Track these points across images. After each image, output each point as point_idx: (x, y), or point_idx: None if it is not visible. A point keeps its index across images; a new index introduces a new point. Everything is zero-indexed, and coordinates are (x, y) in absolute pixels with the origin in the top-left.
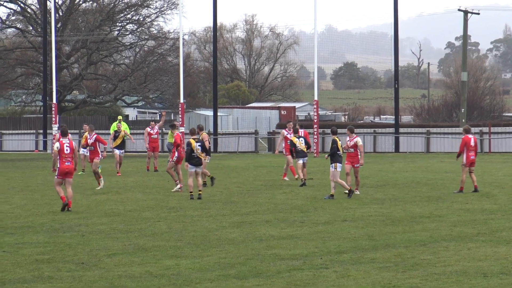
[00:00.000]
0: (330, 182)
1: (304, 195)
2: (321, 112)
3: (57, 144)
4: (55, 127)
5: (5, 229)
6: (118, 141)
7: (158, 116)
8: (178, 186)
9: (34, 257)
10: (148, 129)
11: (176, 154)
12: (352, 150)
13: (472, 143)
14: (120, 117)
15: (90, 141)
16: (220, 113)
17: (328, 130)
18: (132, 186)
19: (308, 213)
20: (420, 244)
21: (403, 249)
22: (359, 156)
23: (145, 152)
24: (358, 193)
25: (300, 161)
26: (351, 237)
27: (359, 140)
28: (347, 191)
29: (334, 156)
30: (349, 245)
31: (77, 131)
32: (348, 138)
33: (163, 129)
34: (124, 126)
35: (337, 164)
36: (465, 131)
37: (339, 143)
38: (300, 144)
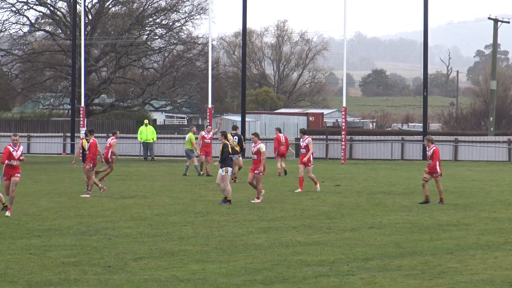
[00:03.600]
0: (225, 187)
1: (331, 201)
2: (349, 119)
3: None
4: (83, 131)
5: (32, 231)
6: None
7: (185, 121)
8: (87, 195)
9: (60, 259)
10: (203, 133)
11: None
12: (255, 156)
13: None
14: (146, 121)
15: (17, 154)
16: (248, 118)
17: (356, 137)
18: (159, 190)
19: (335, 220)
20: (447, 252)
21: (430, 257)
22: (261, 163)
23: (171, 156)
24: (227, 201)
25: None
26: (378, 244)
27: (262, 146)
28: (228, 199)
29: (226, 160)
30: (376, 252)
31: (105, 134)
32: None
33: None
34: (151, 130)
35: (229, 168)
36: (432, 142)
37: (230, 147)
38: (233, 142)
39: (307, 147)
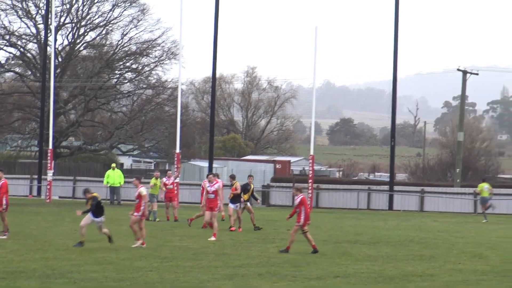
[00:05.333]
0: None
1: (296, 249)
2: (316, 167)
3: None
4: (50, 173)
5: None
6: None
7: (153, 166)
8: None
9: None
10: (164, 179)
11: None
12: (137, 200)
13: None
14: (113, 165)
15: None
16: (215, 164)
17: (322, 185)
18: (125, 234)
19: (301, 268)
20: None
21: None
22: (141, 208)
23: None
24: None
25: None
26: None
27: (142, 190)
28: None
29: (101, 208)
30: None
31: (72, 177)
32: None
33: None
34: (118, 173)
35: (102, 218)
36: (300, 191)
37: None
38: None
39: (216, 192)
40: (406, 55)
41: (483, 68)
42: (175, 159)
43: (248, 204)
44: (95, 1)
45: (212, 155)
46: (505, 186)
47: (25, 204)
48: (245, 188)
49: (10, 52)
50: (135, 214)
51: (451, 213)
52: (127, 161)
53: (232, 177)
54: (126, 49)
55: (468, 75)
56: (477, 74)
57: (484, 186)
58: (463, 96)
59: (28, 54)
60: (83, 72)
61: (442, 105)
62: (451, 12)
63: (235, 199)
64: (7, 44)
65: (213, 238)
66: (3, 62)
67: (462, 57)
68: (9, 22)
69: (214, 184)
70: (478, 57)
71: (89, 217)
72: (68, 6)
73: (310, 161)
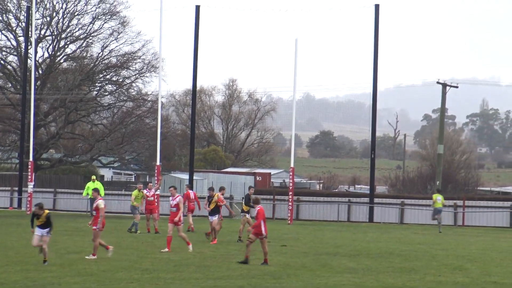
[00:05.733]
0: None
1: (277, 261)
2: (296, 180)
3: None
4: (30, 185)
5: None
6: (212, 205)
7: (133, 178)
8: None
9: None
10: (145, 191)
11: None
12: (94, 212)
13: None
14: (93, 177)
15: None
16: (195, 176)
17: (303, 198)
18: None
19: (281, 280)
20: None
21: None
22: (98, 219)
23: (118, 212)
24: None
25: None
26: None
27: (100, 202)
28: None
29: (50, 222)
30: None
31: (52, 189)
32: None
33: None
34: (98, 185)
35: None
36: (258, 202)
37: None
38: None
39: (177, 205)
40: (386, 67)
41: (462, 81)
42: (156, 171)
43: (247, 216)
44: (75, 14)
45: (193, 168)
46: (485, 198)
47: (5, 216)
48: (248, 199)
49: None
50: (93, 227)
51: (431, 225)
52: (107, 173)
53: (212, 189)
54: (107, 61)
55: (447, 87)
56: (456, 87)
57: (437, 198)
58: (442, 109)
59: (9, 67)
60: (63, 85)
61: (422, 117)
62: (430, 25)
63: (214, 211)
64: None
65: (190, 249)
66: None
67: (441, 69)
68: None
69: (175, 198)
70: (457, 69)
71: (36, 233)
72: (48, 18)
73: (291, 173)
